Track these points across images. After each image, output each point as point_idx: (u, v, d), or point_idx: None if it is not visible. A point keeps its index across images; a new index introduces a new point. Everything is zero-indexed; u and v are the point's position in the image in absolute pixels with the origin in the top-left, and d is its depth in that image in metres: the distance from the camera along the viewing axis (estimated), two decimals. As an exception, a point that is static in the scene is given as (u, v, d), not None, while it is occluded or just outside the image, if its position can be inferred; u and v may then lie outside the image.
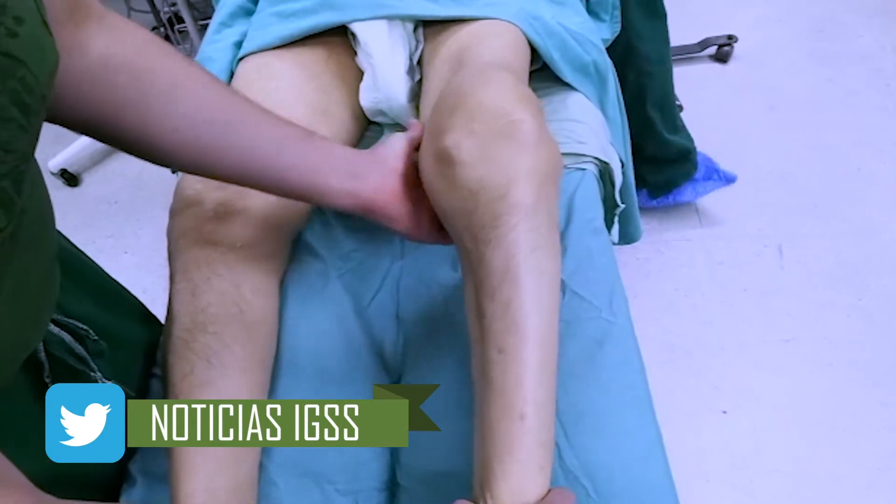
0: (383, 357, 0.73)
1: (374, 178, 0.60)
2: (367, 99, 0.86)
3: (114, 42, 0.49)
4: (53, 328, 0.53)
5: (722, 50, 2.08)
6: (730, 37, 2.07)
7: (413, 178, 0.63)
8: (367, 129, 0.92)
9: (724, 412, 1.43)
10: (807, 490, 1.32)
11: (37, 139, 0.38)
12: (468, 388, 0.68)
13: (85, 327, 0.57)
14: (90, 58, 0.48)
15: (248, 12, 0.91)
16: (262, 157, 0.56)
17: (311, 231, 0.81)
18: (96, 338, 0.58)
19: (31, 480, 0.41)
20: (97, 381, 0.57)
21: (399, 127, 0.90)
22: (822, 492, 1.32)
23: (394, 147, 0.63)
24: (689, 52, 2.09)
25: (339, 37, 0.87)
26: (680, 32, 2.11)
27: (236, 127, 0.55)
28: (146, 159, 0.54)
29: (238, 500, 0.58)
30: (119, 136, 0.51)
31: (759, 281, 1.63)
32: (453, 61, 0.76)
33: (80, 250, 0.66)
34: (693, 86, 2.01)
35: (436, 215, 0.62)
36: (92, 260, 0.68)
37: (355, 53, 0.87)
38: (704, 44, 2.08)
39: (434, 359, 0.71)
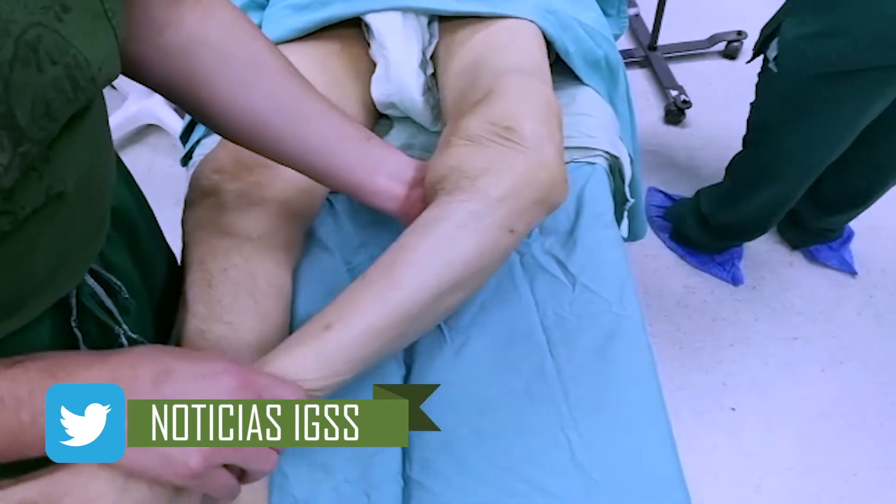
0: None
1: (418, 187, 0.62)
2: (378, 91, 0.85)
3: (206, 19, 0.54)
4: (89, 279, 0.55)
5: (731, 46, 2.07)
6: (739, 33, 2.06)
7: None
8: (376, 123, 0.92)
9: (733, 409, 1.43)
10: (816, 488, 1.32)
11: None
12: (479, 381, 0.69)
13: (119, 283, 0.58)
14: (183, 34, 0.53)
15: (260, 6, 0.90)
16: (322, 151, 0.60)
17: (322, 225, 0.81)
18: (127, 295, 0.59)
19: None
20: (120, 336, 0.58)
21: (409, 120, 0.90)
22: (832, 491, 1.31)
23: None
24: (698, 48, 2.09)
25: (351, 29, 0.86)
26: (689, 28, 2.11)
27: (304, 118, 0.59)
28: (216, 131, 0.59)
29: (251, 488, 0.59)
30: (196, 106, 0.56)
31: (768, 278, 1.62)
32: (472, 65, 0.76)
33: (146, 205, 0.69)
34: (702, 81, 2.01)
35: None
36: (155, 221, 0.71)
37: (368, 46, 0.87)
38: (713, 40, 2.08)
39: (443, 351, 0.71)
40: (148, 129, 1.94)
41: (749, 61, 1.27)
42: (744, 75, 2.02)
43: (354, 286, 0.56)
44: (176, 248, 0.74)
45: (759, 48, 1.18)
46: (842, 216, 1.52)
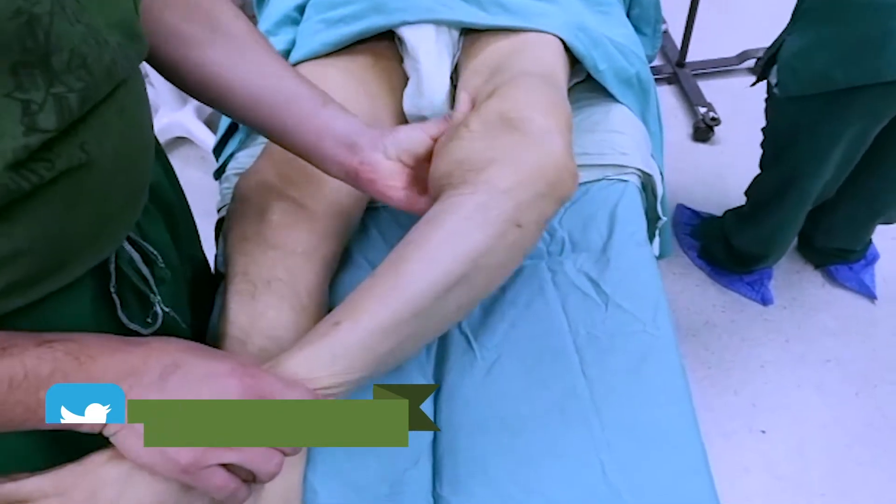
0: (424, 365, 0.73)
1: (367, 152, 0.62)
2: (410, 104, 0.86)
3: None
4: (127, 246, 0.57)
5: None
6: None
7: (418, 162, 0.64)
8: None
9: (763, 431, 1.40)
10: (851, 514, 1.28)
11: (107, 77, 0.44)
12: (510, 399, 0.68)
13: (155, 252, 0.60)
14: None
15: (294, 21, 0.92)
16: (273, 106, 0.61)
17: (354, 240, 0.82)
18: (163, 265, 0.61)
19: None
20: (155, 305, 0.60)
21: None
22: (867, 517, 1.28)
23: (403, 131, 0.65)
24: (728, 65, 2.07)
25: (384, 42, 0.87)
26: (719, 45, 2.10)
27: (259, 74, 0.61)
28: (176, 83, 0.62)
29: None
30: (162, 64, 0.59)
31: (799, 298, 1.59)
32: (489, 70, 0.76)
33: (181, 190, 0.74)
34: (731, 99, 1.99)
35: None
36: (188, 208, 0.75)
37: (401, 59, 0.87)
38: (743, 56, 2.06)
39: (474, 369, 0.70)
40: (178, 142, 1.97)
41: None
42: (774, 92, 2.01)
43: (364, 284, 0.57)
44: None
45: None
46: (847, 238, 1.51)
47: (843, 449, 1.35)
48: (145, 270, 0.59)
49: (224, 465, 0.45)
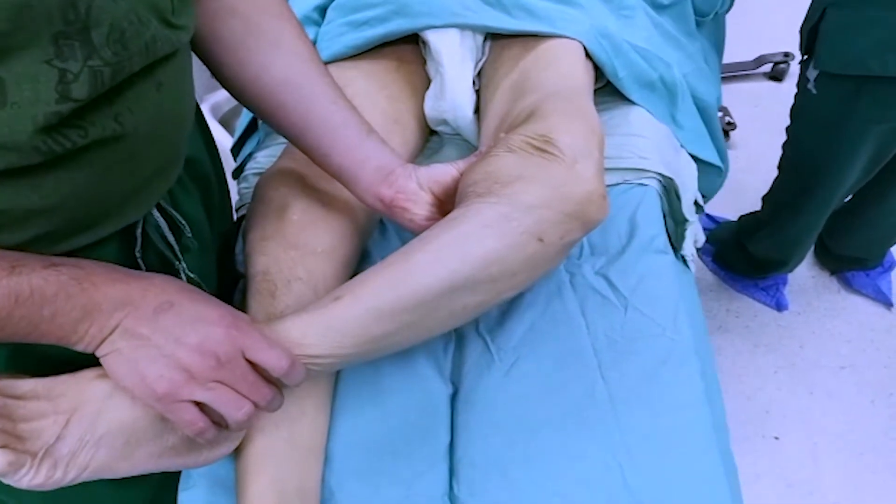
0: (441, 367, 0.73)
1: (401, 185, 0.64)
2: (431, 108, 0.86)
3: None
4: (156, 213, 0.59)
5: (778, 67, 2.05)
6: (786, 54, 2.03)
7: (447, 196, 0.66)
8: (429, 140, 0.93)
9: (777, 438, 1.39)
10: (865, 523, 1.27)
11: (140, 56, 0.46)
12: (528, 402, 0.68)
13: (183, 222, 0.62)
14: (216, 1, 0.58)
15: (316, 22, 0.92)
16: (320, 131, 0.63)
17: (374, 242, 0.82)
18: (190, 234, 0.63)
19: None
20: (181, 272, 0.63)
21: (460, 138, 0.91)
22: (882, 526, 1.27)
23: (439, 168, 0.66)
24: (745, 69, 2.06)
25: (409, 45, 0.87)
26: (735, 49, 2.08)
27: (310, 97, 0.63)
28: (231, 92, 0.64)
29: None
30: (215, 66, 0.62)
31: (814, 304, 1.58)
32: (518, 83, 0.76)
33: (221, 167, 0.77)
34: (747, 103, 1.98)
35: None
36: (225, 180, 0.77)
37: (424, 62, 0.87)
38: (760, 61, 2.05)
39: (492, 371, 0.70)
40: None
41: (805, 64, 1.16)
42: (790, 97, 1.99)
43: (373, 267, 0.59)
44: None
45: (807, 44, 1.12)
46: (866, 247, 1.50)
47: (856, 457, 1.34)
48: (171, 238, 0.61)
49: (197, 404, 0.49)
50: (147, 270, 0.58)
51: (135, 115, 0.46)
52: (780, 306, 1.56)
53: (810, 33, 1.08)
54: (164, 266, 0.61)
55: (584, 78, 0.78)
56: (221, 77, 0.63)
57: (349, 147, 0.64)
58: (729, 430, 0.74)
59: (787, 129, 1.29)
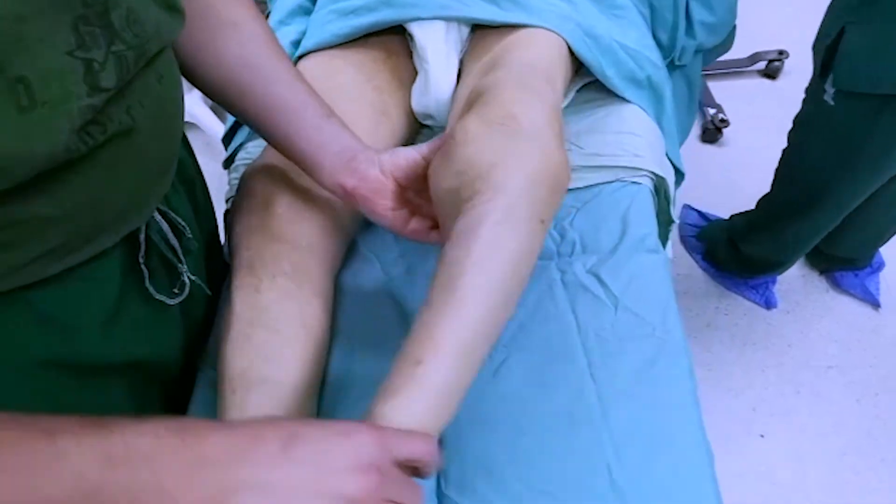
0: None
1: (363, 172, 0.63)
2: (417, 102, 0.85)
3: None
4: (157, 216, 0.58)
5: (772, 65, 2.04)
6: (780, 52, 2.03)
7: (411, 182, 0.64)
8: (418, 132, 0.92)
9: (762, 436, 1.40)
10: (848, 522, 1.28)
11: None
12: (517, 400, 0.68)
13: (183, 223, 0.61)
14: None
15: (307, 11, 0.91)
16: (281, 114, 0.62)
17: (362, 234, 0.81)
18: (190, 236, 0.62)
19: (107, 355, 0.53)
20: (183, 275, 0.61)
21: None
22: (865, 525, 1.28)
23: (402, 152, 0.65)
24: (739, 67, 2.06)
25: (397, 37, 0.86)
26: (730, 46, 2.08)
27: (270, 80, 0.61)
28: (193, 81, 0.62)
29: None
30: (176, 56, 0.57)
31: (802, 303, 1.59)
32: (488, 64, 0.75)
33: (199, 168, 0.75)
34: (741, 100, 1.98)
35: (424, 216, 0.65)
36: (204, 180, 0.76)
37: (411, 55, 0.86)
38: (754, 58, 2.05)
39: (481, 369, 0.70)
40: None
41: (821, 79, 1.10)
42: (784, 95, 2.00)
43: (426, 317, 0.52)
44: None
45: (825, 64, 1.06)
46: (857, 248, 1.50)
47: (841, 456, 1.36)
48: (173, 241, 0.59)
49: None
50: (150, 277, 0.56)
51: (144, 108, 0.45)
52: (769, 304, 1.57)
53: (828, 52, 1.04)
54: (165, 270, 0.60)
55: (553, 65, 0.76)
56: (181, 65, 0.59)
57: (309, 130, 0.62)
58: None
59: (790, 136, 1.26)
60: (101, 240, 0.49)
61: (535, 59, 0.74)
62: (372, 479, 0.39)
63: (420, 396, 0.49)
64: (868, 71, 0.99)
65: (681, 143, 1.05)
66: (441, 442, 0.67)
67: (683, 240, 1.70)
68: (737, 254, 1.52)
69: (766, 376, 1.48)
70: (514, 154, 0.56)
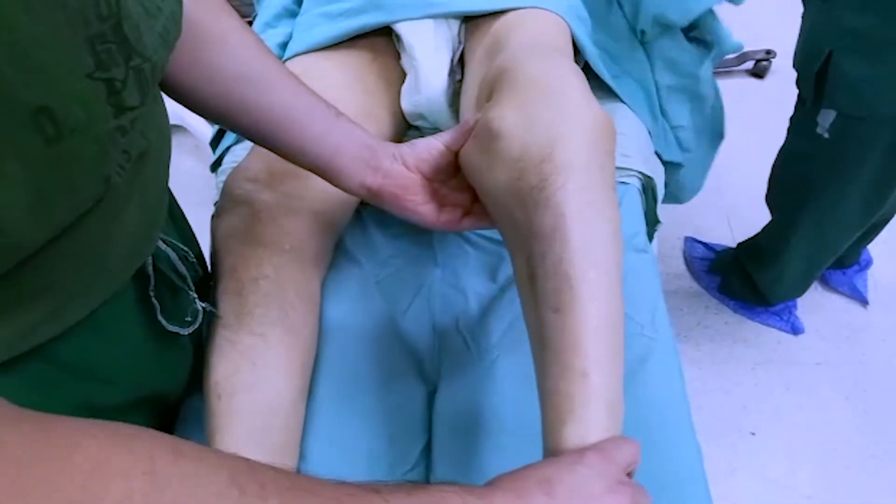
0: (420, 365, 0.72)
1: (386, 169, 0.60)
2: (408, 102, 0.85)
3: None
4: (161, 245, 0.56)
5: (760, 65, 2.06)
6: (768, 52, 2.04)
7: (435, 173, 0.62)
8: (406, 134, 0.92)
9: (753, 433, 1.41)
10: (839, 518, 1.29)
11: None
12: (507, 400, 0.68)
13: (185, 248, 0.59)
14: None
15: (292, 13, 0.91)
16: (286, 123, 0.58)
17: (351, 236, 0.81)
18: (193, 260, 0.60)
19: (127, 393, 0.52)
20: (195, 302, 0.59)
21: (438, 132, 0.90)
22: (855, 520, 1.29)
23: (422, 143, 0.62)
24: (727, 66, 2.07)
25: (383, 38, 0.86)
26: (717, 46, 2.09)
27: (269, 89, 0.58)
28: (183, 103, 0.58)
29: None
30: (166, 77, 0.55)
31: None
32: (491, 45, 0.74)
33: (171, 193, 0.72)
34: (729, 100, 1.97)
35: (453, 205, 0.62)
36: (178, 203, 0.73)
37: (399, 56, 0.86)
38: (742, 58, 2.06)
39: (470, 369, 0.70)
40: (171, 129, 1.95)
41: (814, 108, 1.10)
42: (772, 94, 2.01)
43: (554, 324, 0.50)
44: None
45: (818, 89, 1.05)
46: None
47: (830, 452, 1.36)
48: (182, 268, 0.57)
49: None
50: (161, 309, 0.55)
51: (151, 130, 0.43)
52: (795, 330, 1.52)
53: (818, 78, 1.02)
54: (173, 300, 0.57)
55: (558, 39, 0.75)
56: (171, 85, 0.56)
57: (320, 134, 0.59)
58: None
59: (780, 169, 1.25)
60: (115, 278, 0.47)
61: (539, 34, 0.74)
62: (625, 492, 0.43)
63: (596, 407, 0.48)
64: (870, 92, 0.98)
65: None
66: (431, 443, 0.67)
67: (695, 274, 1.64)
68: (752, 283, 1.48)
69: (756, 374, 1.48)
70: (568, 128, 0.53)
